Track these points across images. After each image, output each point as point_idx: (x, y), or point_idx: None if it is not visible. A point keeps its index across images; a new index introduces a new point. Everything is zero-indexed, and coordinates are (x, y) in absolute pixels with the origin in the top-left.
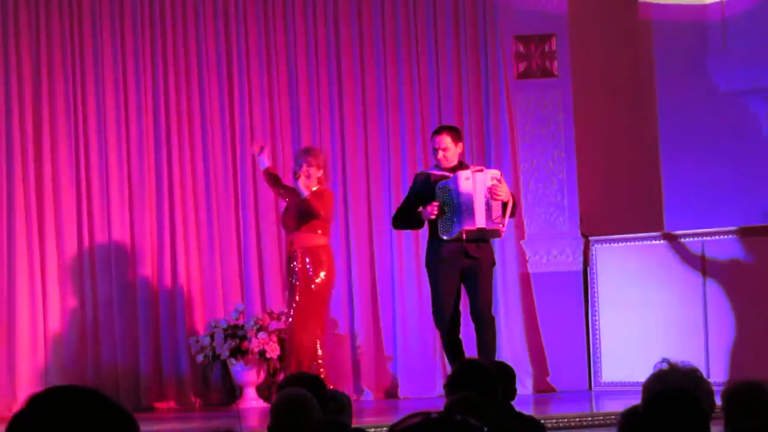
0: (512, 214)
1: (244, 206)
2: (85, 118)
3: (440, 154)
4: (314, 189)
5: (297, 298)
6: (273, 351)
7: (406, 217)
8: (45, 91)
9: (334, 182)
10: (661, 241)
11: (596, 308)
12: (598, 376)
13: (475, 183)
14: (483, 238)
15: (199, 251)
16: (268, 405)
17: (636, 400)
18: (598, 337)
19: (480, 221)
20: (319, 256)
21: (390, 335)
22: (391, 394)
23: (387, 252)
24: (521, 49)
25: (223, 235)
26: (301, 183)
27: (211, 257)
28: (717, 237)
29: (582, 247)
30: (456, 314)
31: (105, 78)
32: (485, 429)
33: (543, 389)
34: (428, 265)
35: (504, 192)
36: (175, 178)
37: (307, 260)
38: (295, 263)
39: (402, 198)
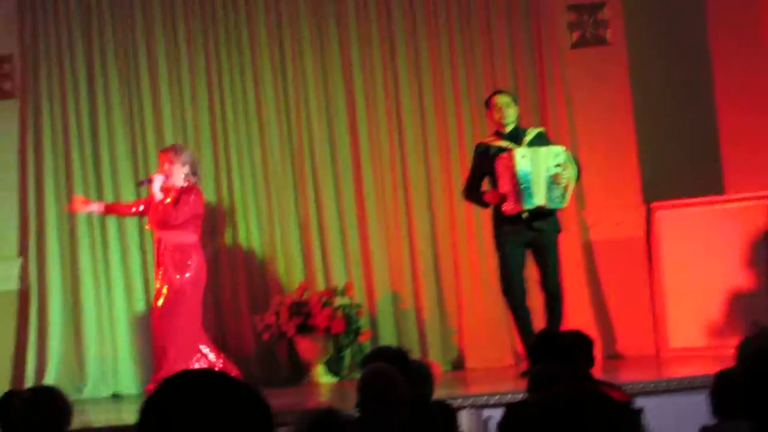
0: (576, 182)
1: (303, 187)
2: (141, 110)
3: (497, 114)
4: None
5: None
6: (338, 327)
7: (473, 194)
8: (99, 85)
9: (395, 157)
10: (724, 205)
11: (660, 274)
12: (665, 341)
13: (535, 162)
14: (544, 212)
15: (260, 230)
16: (335, 381)
17: (704, 365)
18: (663, 302)
19: (539, 200)
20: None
21: (454, 307)
22: (458, 366)
23: (448, 224)
24: (574, 18)
25: (284, 215)
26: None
27: (272, 236)
28: None
29: (644, 213)
30: (523, 285)
31: (158, 70)
32: None
33: (611, 355)
34: (495, 237)
35: (567, 176)
36: (232, 163)
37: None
38: None
39: (460, 165)
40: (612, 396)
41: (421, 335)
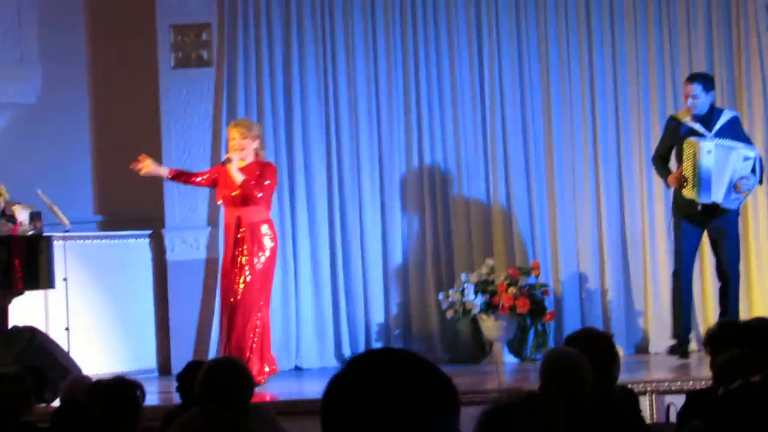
0: (760, 183)
1: (494, 166)
2: (335, 81)
3: (690, 101)
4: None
5: None
6: (523, 307)
7: (660, 165)
8: (294, 57)
9: (587, 138)
10: None
11: None
12: None
13: (718, 160)
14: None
15: (450, 207)
16: (519, 360)
17: None
18: None
19: (716, 197)
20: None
21: (641, 290)
22: (641, 350)
23: (638, 205)
24: None
25: (474, 193)
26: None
27: (459, 214)
28: None
29: None
30: (691, 269)
31: (357, 64)
32: None
33: None
34: (674, 218)
35: (748, 186)
36: (424, 129)
37: None
38: None
39: (653, 148)
40: None
41: (606, 317)
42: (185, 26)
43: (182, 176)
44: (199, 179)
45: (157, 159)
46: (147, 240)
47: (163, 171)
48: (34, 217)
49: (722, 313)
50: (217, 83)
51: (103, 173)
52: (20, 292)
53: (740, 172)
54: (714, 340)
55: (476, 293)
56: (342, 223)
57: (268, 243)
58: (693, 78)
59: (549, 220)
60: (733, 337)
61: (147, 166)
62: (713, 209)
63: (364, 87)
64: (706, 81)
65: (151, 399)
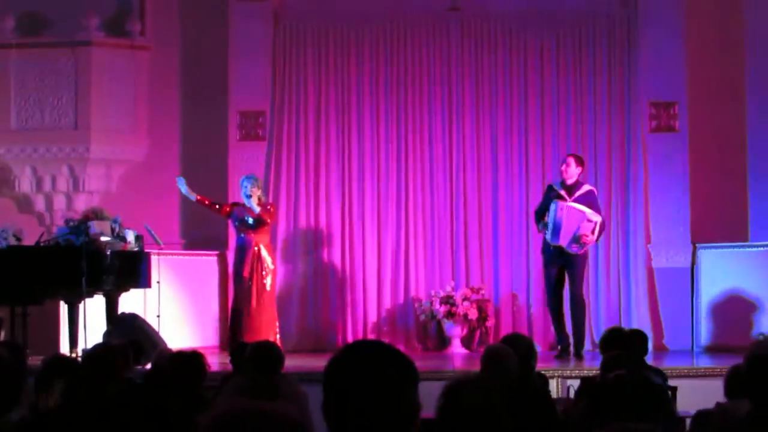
0: (596, 240)
1: (455, 223)
2: (349, 154)
3: (564, 173)
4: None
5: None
6: (473, 314)
7: (537, 217)
8: (322, 136)
9: (521, 197)
10: (745, 249)
11: (699, 293)
12: (699, 339)
13: (568, 216)
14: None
15: (425, 244)
16: (468, 351)
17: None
18: (700, 310)
19: (562, 242)
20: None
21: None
22: (553, 347)
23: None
24: (653, 111)
25: (440, 234)
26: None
27: (432, 248)
28: None
29: (691, 250)
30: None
31: (364, 137)
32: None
33: (659, 348)
34: (543, 258)
35: (589, 242)
36: (411, 190)
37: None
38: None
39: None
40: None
41: (530, 323)
42: (248, 111)
43: (203, 201)
44: (217, 206)
45: (225, 200)
46: (215, 257)
47: (191, 195)
48: (138, 238)
49: (573, 325)
50: (267, 151)
51: (187, 210)
52: (127, 289)
53: (582, 230)
54: (604, 342)
55: (441, 304)
56: (350, 253)
57: (269, 259)
58: (570, 155)
59: (492, 254)
60: (617, 341)
61: (182, 185)
62: (561, 250)
63: (369, 151)
64: (577, 158)
65: (215, 367)
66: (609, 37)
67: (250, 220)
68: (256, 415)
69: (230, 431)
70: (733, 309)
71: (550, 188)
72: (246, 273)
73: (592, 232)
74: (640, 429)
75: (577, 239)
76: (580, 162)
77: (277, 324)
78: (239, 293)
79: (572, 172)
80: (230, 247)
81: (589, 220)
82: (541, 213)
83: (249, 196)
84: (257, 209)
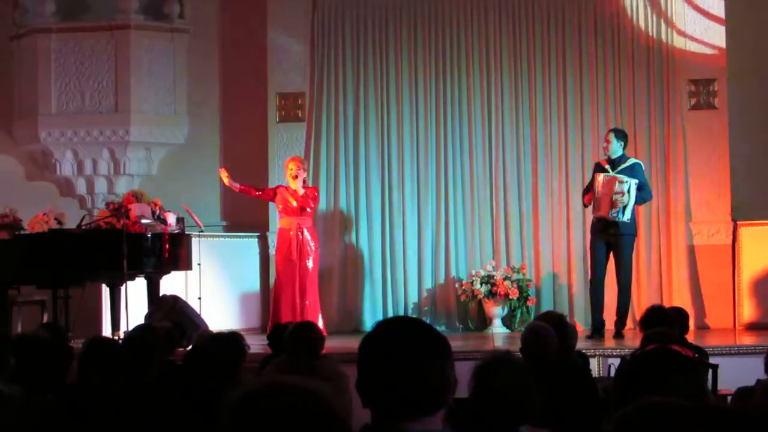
0: (636, 203)
1: (495, 203)
2: (388, 133)
3: (604, 144)
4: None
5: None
6: (514, 294)
7: (585, 194)
8: (360, 117)
9: (562, 179)
10: None
11: (740, 271)
12: (740, 317)
13: (605, 185)
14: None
15: (465, 224)
16: (509, 331)
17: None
18: (741, 288)
19: (603, 212)
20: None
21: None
22: (598, 326)
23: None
24: (692, 88)
25: (481, 214)
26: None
27: (473, 227)
28: None
29: (732, 227)
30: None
31: (403, 120)
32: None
33: (700, 326)
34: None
35: (623, 201)
36: (450, 170)
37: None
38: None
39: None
40: (687, 354)
41: (571, 304)
42: (287, 93)
43: (247, 190)
44: (258, 193)
45: (266, 182)
46: (256, 239)
47: (235, 185)
48: (179, 221)
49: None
50: (307, 133)
51: (227, 192)
52: (168, 272)
53: (617, 194)
54: (645, 320)
55: (481, 284)
56: (390, 234)
57: (312, 242)
58: (610, 130)
59: (533, 235)
60: (658, 318)
61: (225, 176)
62: (606, 229)
63: (408, 131)
64: (618, 132)
65: (254, 348)
66: (646, 12)
67: (294, 203)
68: (284, 389)
69: (258, 405)
70: None
71: (596, 165)
72: (290, 256)
73: (628, 192)
74: (667, 402)
75: (613, 204)
76: (620, 135)
77: (320, 307)
78: (283, 276)
79: (614, 147)
80: (271, 229)
81: (621, 182)
82: (587, 190)
83: (295, 178)
84: (302, 191)
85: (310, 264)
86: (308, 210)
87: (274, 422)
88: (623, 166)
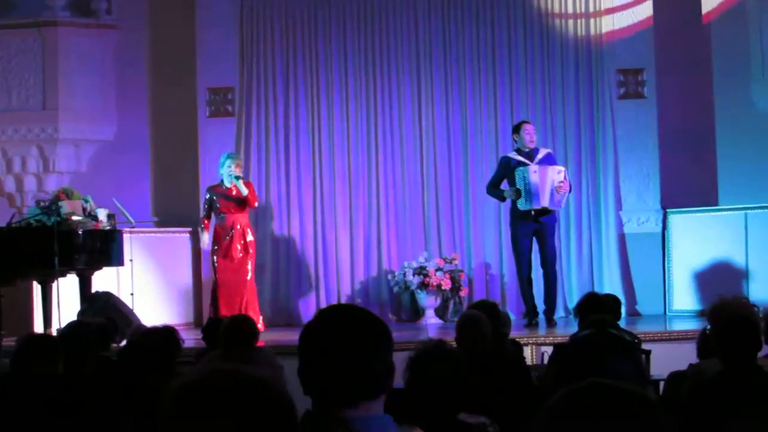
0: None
1: (428, 182)
2: (319, 129)
3: (527, 137)
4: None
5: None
6: (446, 285)
7: (495, 191)
8: (291, 110)
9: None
10: (715, 213)
11: (670, 258)
12: (671, 304)
13: (542, 176)
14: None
15: (396, 216)
16: (442, 322)
17: (697, 323)
18: (671, 275)
19: (543, 203)
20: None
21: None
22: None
23: None
24: (621, 78)
25: (412, 205)
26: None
27: (404, 219)
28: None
29: (662, 215)
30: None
31: (334, 113)
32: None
33: (632, 313)
34: (511, 227)
35: (565, 189)
36: (381, 163)
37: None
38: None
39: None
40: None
41: (503, 293)
42: (217, 88)
43: (208, 225)
44: (212, 216)
45: (197, 178)
46: (187, 235)
47: (206, 235)
48: (110, 217)
49: (545, 294)
50: (237, 128)
51: (158, 188)
52: (99, 268)
53: (557, 182)
54: (580, 308)
55: (414, 275)
56: (322, 227)
57: (250, 238)
58: (528, 122)
59: (465, 225)
60: (593, 306)
61: (206, 237)
62: (535, 218)
63: (339, 124)
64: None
65: (188, 342)
66: (575, 5)
67: (236, 199)
68: (227, 375)
69: (202, 392)
70: (704, 273)
71: (506, 159)
72: (230, 252)
73: (565, 179)
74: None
75: (555, 193)
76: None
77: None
78: (221, 272)
79: (534, 136)
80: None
81: (559, 170)
82: (495, 185)
83: (234, 175)
84: (245, 190)
85: (249, 260)
86: (255, 205)
87: (220, 407)
88: (539, 156)
